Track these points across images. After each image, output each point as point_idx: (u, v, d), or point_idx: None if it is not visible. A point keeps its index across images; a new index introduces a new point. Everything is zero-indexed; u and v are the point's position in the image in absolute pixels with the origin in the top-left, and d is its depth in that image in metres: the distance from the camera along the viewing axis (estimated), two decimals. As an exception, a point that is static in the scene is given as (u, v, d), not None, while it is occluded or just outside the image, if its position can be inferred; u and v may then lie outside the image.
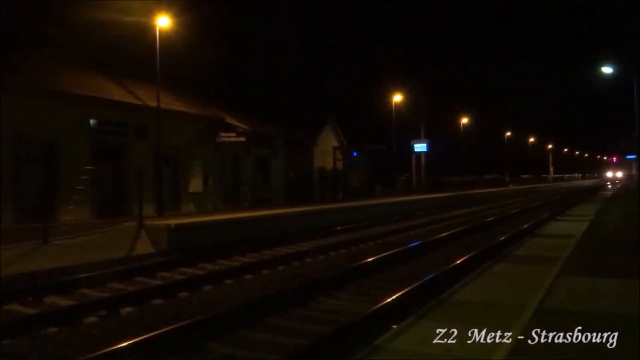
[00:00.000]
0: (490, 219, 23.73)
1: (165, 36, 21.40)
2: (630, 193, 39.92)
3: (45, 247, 13.01)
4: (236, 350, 6.46)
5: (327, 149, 37.91)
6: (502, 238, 15.32)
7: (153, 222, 15.56)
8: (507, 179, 70.39)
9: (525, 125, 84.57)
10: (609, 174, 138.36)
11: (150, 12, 20.82)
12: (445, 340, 5.65)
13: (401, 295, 8.36)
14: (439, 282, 9.32)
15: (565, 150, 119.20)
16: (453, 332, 5.90)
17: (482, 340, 5.66)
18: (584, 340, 5.65)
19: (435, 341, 5.62)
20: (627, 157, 66.48)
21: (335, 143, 39.66)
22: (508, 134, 74.99)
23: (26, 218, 17.25)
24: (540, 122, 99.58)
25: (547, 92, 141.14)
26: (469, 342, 5.62)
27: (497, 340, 5.55)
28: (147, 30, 21.16)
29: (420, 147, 43.34)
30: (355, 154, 38.13)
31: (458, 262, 11.37)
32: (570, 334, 5.81)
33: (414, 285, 9.08)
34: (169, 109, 23.51)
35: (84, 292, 9.59)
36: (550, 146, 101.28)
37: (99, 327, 7.47)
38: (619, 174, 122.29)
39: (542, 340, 5.60)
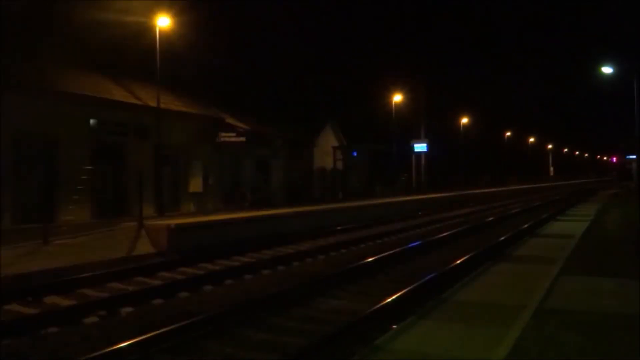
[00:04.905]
0: (491, 218, 23.74)
1: (165, 36, 21.39)
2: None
3: (45, 247, 13.01)
4: (236, 350, 6.47)
5: (327, 149, 37.87)
6: (502, 238, 15.32)
7: (153, 222, 15.56)
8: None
9: (526, 125, 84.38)
10: None
11: (150, 12, 20.81)
12: (445, 340, 5.65)
13: (401, 295, 8.35)
14: (439, 282, 9.33)
15: (565, 150, 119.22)
16: (453, 332, 5.91)
17: (482, 340, 5.66)
18: (584, 340, 5.65)
19: (435, 341, 5.63)
20: (628, 157, 66.52)
21: (335, 143, 39.62)
22: (508, 134, 74.99)
23: (26, 218, 17.24)
24: (540, 122, 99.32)
25: (547, 92, 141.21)
26: (469, 342, 5.63)
27: (497, 340, 5.55)
28: (147, 30, 21.15)
29: (420, 147, 43.28)
30: (355, 154, 38.10)
31: (458, 262, 11.36)
32: (570, 334, 5.81)
33: (414, 285, 9.08)
34: (169, 109, 23.50)
35: (84, 292, 9.58)
36: (550, 146, 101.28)
37: (99, 327, 7.47)
38: None
39: (542, 340, 5.60)
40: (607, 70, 29.05)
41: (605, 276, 9.01)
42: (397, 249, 13.70)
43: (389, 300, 8.06)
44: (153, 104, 21.50)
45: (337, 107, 43.48)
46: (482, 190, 46.27)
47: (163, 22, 20.92)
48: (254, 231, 16.88)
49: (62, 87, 20.09)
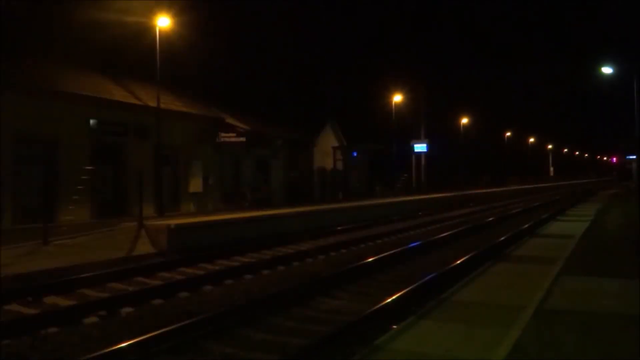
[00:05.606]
0: (491, 218, 23.74)
1: (165, 36, 21.39)
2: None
3: (45, 247, 13.01)
4: (236, 350, 6.47)
5: (327, 149, 37.89)
6: (502, 238, 15.31)
7: (153, 222, 15.55)
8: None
9: (526, 125, 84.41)
10: None
11: (150, 12, 20.82)
12: (445, 340, 5.65)
13: (401, 295, 8.35)
14: (439, 282, 9.33)
15: (565, 150, 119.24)
16: (453, 332, 5.90)
17: (482, 340, 5.66)
18: (584, 340, 5.65)
19: (435, 341, 5.62)
20: (628, 157, 66.56)
21: (335, 143, 39.64)
22: (508, 134, 74.99)
23: (26, 218, 17.24)
24: (540, 122, 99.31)
25: (547, 92, 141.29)
26: (469, 342, 5.63)
27: (497, 340, 5.55)
28: (147, 30, 21.15)
29: (420, 147, 43.30)
30: (355, 154, 38.11)
31: (458, 262, 11.37)
32: (570, 334, 5.81)
33: (415, 285, 9.08)
34: (169, 109, 23.50)
35: (84, 292, 9.58)
36: (550, 146, 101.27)
37: (99, 327, 7.46)
38: None
39: (542, 340, 5.60)
40: (607, 70, 29.05)
41: (605, 276, 9.01)
42: (397, 249, 13.70)
43: (389, 300, 8.05)
44: (153, 104, 21.50)
45: (337, 107, 43.53)
46: (482, 191, 46.27)
47: (163, 22, 20.92)
48: (254, 231, 16.87)
49: (62, 87, 20.10)
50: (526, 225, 18.96)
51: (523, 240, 14.59)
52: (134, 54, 23.07)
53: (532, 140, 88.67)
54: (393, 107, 40.85)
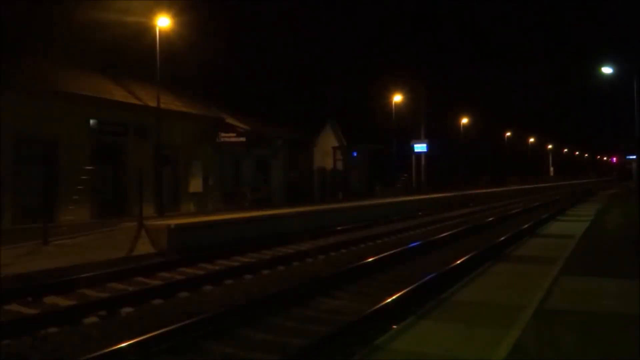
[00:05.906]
0: (491, 218, 23.73)
1: (165, 36, 21.40)
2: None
3: (45, 247, 13.01)
4: (236, 350, 6.47)
5: (327, 149, 37.89)
6: (502, 238, 15.31)
7: (153, 222, 15.55)
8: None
9: (526, 125, 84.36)
10: None
11: (150, 12, 20.83)
12: (445, 340, 5.65)
13: (401, 295, 8.35)
14: (439, 282, 9.33)
15: (565, 150, 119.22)
16: (453, 332, 5.91)
17: (482, 340, 5.66)
18: (583, 340, 5.65)
19: (435, 341, 5.63)
20: (628, 157, 66.59)
21: (335, 143, 39.64)
22: (508, 134, 75.00)
23: (26, 218, 17.25)
24: (540, 122, 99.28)
25: (547, 92, 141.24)
26: (469, 342, 5.63)
27: (497, 340, 5.55)
28: (147, 30, 21.16)
29: (420, 147, 43.30)
30: (355, 154, 38.11)
31: (458, 262, 11.37)
32: (570, 334, 5.81)
33: (415, 285, 9.08)
34: (169, 109, 23.51)
35: (84, 292, 9.58)
36: (550, 146, 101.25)
37: (99, 327, 7.46)
38: None
39: (542, 340, 5.60)
40: (607, 70, 29.06)
41: (605, 276, 9.01)
42: (397, 249, 13.70)
43: (389, 300, 8.05)
44: (153, 104, 21.51)
45: (337, 107, 43.54)
46: (482, 191, 46.23)
47: (163, 22, 20.93)
48: (254, 231, 16.87)
49: (62, 87, 20.10)
50: (526, 225, 18.96)
51: (523, 240, 14.60)
52: (134, 54, 23.09)
53: (532, 140, 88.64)
54: (393, 107, 40.84)
